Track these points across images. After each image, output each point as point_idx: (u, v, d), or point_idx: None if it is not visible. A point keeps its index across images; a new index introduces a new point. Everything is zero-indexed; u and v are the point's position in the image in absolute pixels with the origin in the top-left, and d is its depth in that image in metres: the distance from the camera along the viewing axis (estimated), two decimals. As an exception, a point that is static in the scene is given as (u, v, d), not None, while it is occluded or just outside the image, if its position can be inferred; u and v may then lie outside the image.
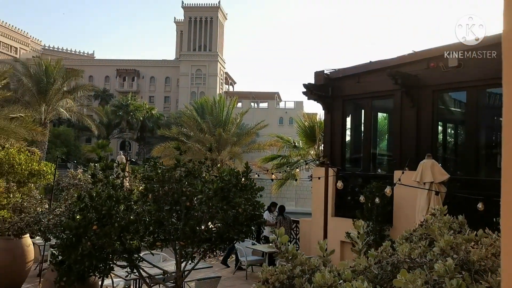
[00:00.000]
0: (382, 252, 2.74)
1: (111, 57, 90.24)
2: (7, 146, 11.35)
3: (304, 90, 12.15)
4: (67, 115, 39.53)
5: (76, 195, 5.15)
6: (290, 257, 2.74)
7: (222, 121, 26.59)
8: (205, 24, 78.11)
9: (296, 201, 52.08)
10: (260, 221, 5.65)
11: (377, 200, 8.96)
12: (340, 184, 9.75)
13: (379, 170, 12.23)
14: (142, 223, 4.74)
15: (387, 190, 7.98)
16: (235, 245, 11.07)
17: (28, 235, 9.21)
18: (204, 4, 78.97)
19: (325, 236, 9.39)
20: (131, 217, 4.67)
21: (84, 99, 47.27)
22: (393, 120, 11.29)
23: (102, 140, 51.34)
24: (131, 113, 56.59)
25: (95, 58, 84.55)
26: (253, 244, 12.57)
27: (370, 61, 11.48)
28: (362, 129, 12.19)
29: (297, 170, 15.22)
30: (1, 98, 21.04)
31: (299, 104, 70.42)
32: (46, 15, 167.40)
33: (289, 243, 2.86)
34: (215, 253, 6.73)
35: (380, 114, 12.86)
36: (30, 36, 77.59)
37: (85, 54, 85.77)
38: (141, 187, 6.08)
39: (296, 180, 15.84)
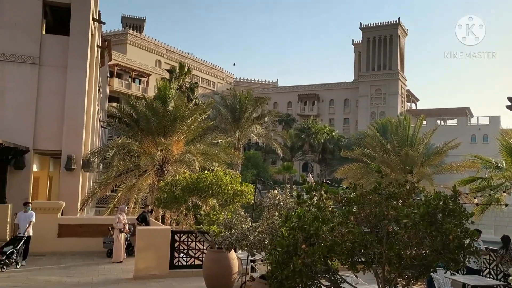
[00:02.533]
0: None
1: (292, 83, 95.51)
2: (215, 169, 12.88)
3: (509, 103, 10.77)
4: (256, 139, 43.16)
5: (283, 215, 5.54)
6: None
7: (408, 141, 25.36)
8: (384, 42, 76.40)
9: (496, 229, 45.77)
10: (471, 251, 5.14)
11: None
12: None
13: None
14: (346, 244, 4.81)
15: None
16: (432, 274, 10.27)
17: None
18: (383, 22, 77.45)
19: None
20: (337, 238, 4.79)
21: (270, 124, 50.78)
22: None
23: (287, 162, 54.20)
24: (313, 136, 58.46)
25: (278, 86, 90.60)
26: (452, 274, 11.47)
27: None
28: None
29: (504, 194, 13.40)
30: (205, 127, 24.09)
31: (495, 119, 62.55)
32: (237, 51, 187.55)
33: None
34: (418, 282, 6.36)
35: None
36: (225, 71, 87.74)
37: (270, 83, 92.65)
38: (338, 209, 6.21)
39: (506, 205, 13.95)
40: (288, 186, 10.59)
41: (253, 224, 8.58)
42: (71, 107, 19.40)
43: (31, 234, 13.67)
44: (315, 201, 5.22)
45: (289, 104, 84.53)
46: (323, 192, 5.41)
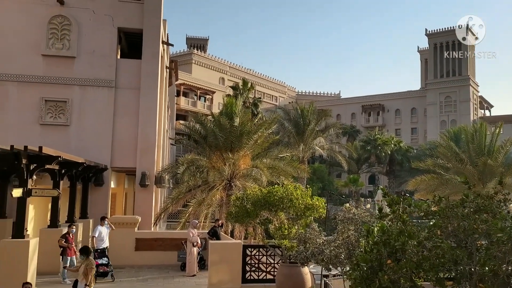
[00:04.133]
0: None
1: (355, 94, 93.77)
2: (285, 183, 12.89)
3: None
4: (321, 152, 42.73)
5: (364, 229, 5.41)
6: None
7: (485, 150, 23.85)
8: (452, 48, 73.05)
9: None
10: None
11: None
12: None
13: None
14: (434, 260, 4.59)
15: None
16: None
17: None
18: (450, 27, 74.24)
19: None
20: (424, 253, 4.59)
21: (334, 137, 50.11)
22: None
23: (353, 175, 53.05)
24: (379, 147, 56.86)
25: (341, 98, 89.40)
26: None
27: None
28: None
29: None
30: (271, 141, 24.27)
31: None
32: (298, 65, 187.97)
33: None
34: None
35: None
36: (287, 85, 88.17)
37: (332, 95, 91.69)
38: (418, 223, 5.95)
39: None
40: (362, 199, 10.36)
41: (328, 238, 8.45)
42: (144, 126, 20.39)
43: (108, 246, 14.61)
44: (399, 215, 5.04)
45: (352, 116, 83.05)
46: (406, 206, 5.22)
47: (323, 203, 11.25)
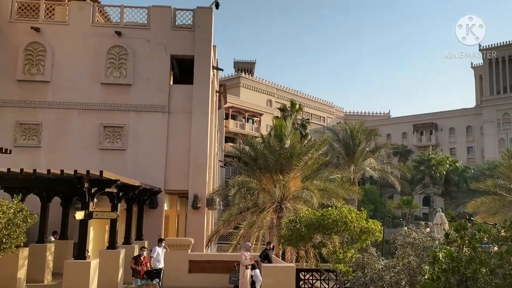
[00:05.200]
0: None
1: (406, 113, 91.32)
2: (339, 205, 12.67)
3: None
4: (372, 173, 41.69)
5: (430, 255, 5.19)
6: None
7: (552, 170, 22.43)
8: (509, 62, 69.86)
9: None
10: None
11: None
12: None
13: None
14: (510, 289, 4.32)
15: None
16: None
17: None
18: (505, 42, 71.25)
19: None
20: (497, 282, 4.33)
21: (385, 157, 48.84)
22: None
23: (406, 196, 51.26)
24: (433, 168, 54.76)
25: (391, 117, 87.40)
26: None
27: None
28: None
29: None
30: (321, 163, 24.08)
31: None
32: (345, 84, 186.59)
33: None
34: None
35: None
36: (334, 105, 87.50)
37: (381, 114, 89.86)
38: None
39: None
40: (423, 223, 9.94)
41: (386, 262, 8.17)
42: (196, 149, 20.84)
43: (163, 267, 14.94)
44: (469, 241, 4.81)
45: (403, 135, 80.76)
46: (475, 231, 4.98)
47: (379, 226, 10.93)
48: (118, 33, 21.00)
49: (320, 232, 11.38)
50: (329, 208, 11.87)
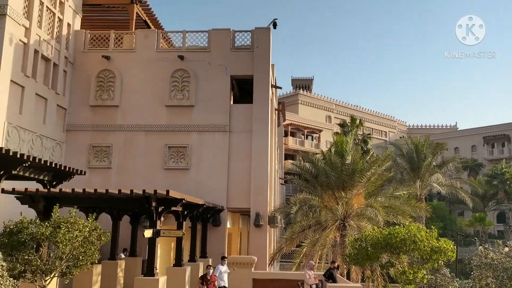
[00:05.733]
0: None
1: (474, 125, 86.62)
2: (405, 223, 12.20)
3: None
4: (439, 189, 39.72)
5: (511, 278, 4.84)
6: None
7: None
8: None
9: None
10: None
11: None
12: None
13: None
14: None
15: None
16: None
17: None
18: None
19: None
20: None
21: (453, 172, 46.41)
22: None
23: (479, 213, 48.24)
24: (507, 182, 51.22)
25: (458, 129, 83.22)
26: None
27: None
28: None
29: None
30: (385, 179, 23.35)
31: None
32: (407, 97, 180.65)
33: None
34: None
35: None
36: (396, 119, 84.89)
37: (447, 127, 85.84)
38: None
39: None
40: (499, 241, 9.28)
41: (464, 283, 7.70)
42: (256, 167, 21.04)
43: (227, 285, 15.07)
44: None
45: (472, 148, 76.39)
46: None
47: (451, 246, 10.35)
48: (181, 57, 21.91)
49: (388, 252, 10.99)
50: (396, 226, 11.45)
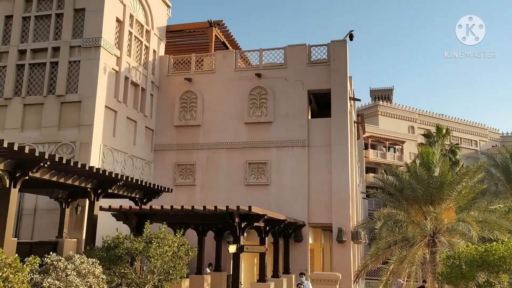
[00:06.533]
0: None
1: None
2: (505, 240, 11.25)
3: None
4: (543, 201, 36.04)
5: None
6: None
7: None
8: None
9: None
10: None
11: None
12: None
13: None
14: None
15: None
16: None
17: None
18: None
19: None
20: None
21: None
22: None
23: None
24: None
25: None
26: None
27: None
28: None
29: None
30: (477, 191, 21.72)
31: None
32: (499, 103, 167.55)
33: None
34: None
35: None
36: (487, 127, 79.03)
37: (548, 133, 78.11)
38: None
39: None
40: None
41: None
42: (337, 182, 20.69)
43: None
44: None
45: None
46: None
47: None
48: (258, 75, 22.40)
49: (485, 270, 10.16)
50: (494, 243, 10.57)
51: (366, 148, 53.66)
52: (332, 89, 21.68)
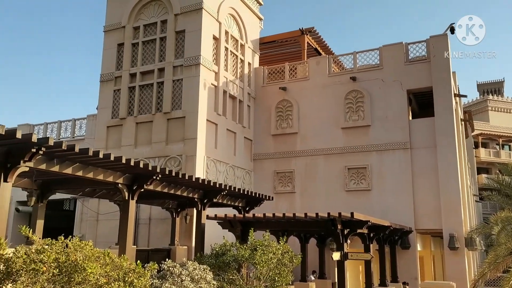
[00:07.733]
0: None
1: None
2: None
3: None
4: None
5: None
6: None
7: None
8: None
9: None
10: None
11: None
12: None
13: None
14: None
15: None
16: None
17: None
18: None
19: None
20: None
21: None
22: None
23: None
24: None
25: None
26: None
27: None
28: None
29: None
30: None
31: None
32: None
33: None
34: None
35: None
36: None
37: None
38: None
39: None
40: None
41: None
42: (445, 185, 19.44)
43: None
44: None
45: None
46: None
47: None
48: (353, 79, 21.99)
49: None
50: None
51: (476, 147, 49.58)
52: (434, 87, 20.50)
